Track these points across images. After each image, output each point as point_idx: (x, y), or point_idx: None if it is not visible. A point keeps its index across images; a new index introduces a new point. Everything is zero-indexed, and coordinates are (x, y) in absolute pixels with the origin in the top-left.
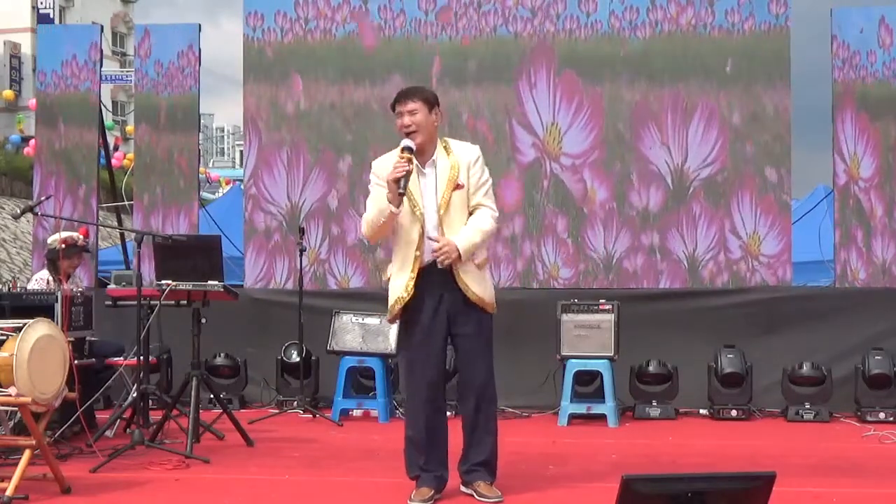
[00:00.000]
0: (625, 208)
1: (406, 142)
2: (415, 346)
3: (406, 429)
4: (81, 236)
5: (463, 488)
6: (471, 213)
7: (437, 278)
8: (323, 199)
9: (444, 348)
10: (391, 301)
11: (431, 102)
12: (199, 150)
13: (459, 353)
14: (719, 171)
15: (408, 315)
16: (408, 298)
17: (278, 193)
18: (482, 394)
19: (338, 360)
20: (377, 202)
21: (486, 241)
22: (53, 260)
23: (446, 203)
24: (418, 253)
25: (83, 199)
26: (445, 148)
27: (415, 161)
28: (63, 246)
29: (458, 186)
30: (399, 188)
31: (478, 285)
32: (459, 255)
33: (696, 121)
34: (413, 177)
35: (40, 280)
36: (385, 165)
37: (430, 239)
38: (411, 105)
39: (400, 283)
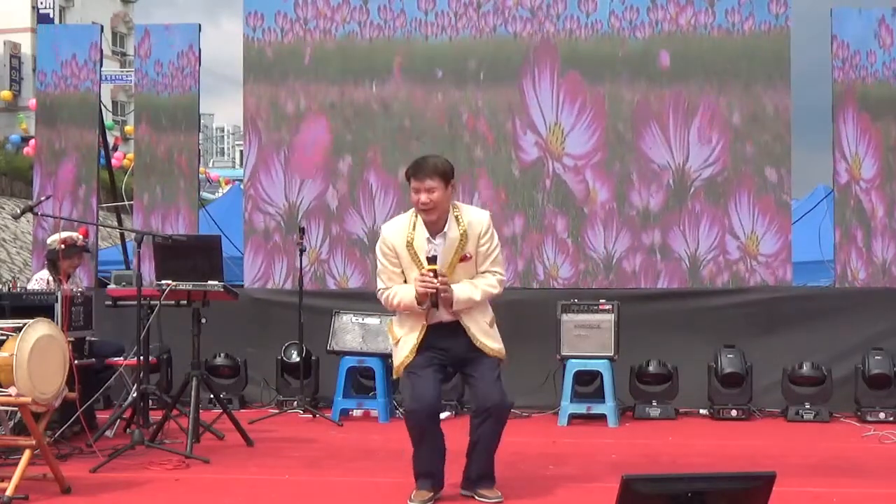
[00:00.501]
0: (625, 208)
1: (431, 251)
2: (421, 367)
3: (409, 433)
4: (81, 236)
5: (463, 491)
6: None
7: (446, 332)
8: (320, 198)
9: (443, 367)
10: (397, 362)
11: (448, 177)
12: (199, 150)
13: (473, 378)
14: (720, 171)
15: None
16: (412, 359)
17: (277, 194)
18: (502, 414)
19: (338, 360)
20: (405, 297)
21: (486, 299)
22: (53, 260)
23: (451, 274)
24: (426, 322)
25: (83, 200)
26: (457, 217)
27: (426, 234)
28: (62, 246)
29: (464, 258)
30: (428, 303)
31: (493, 342)
32: (450, 301)
33: (697, 121)
34: (421, 245)
35: (40, 280)
36: (395, 232)
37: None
38: (430, 183)
39: (407, 346)
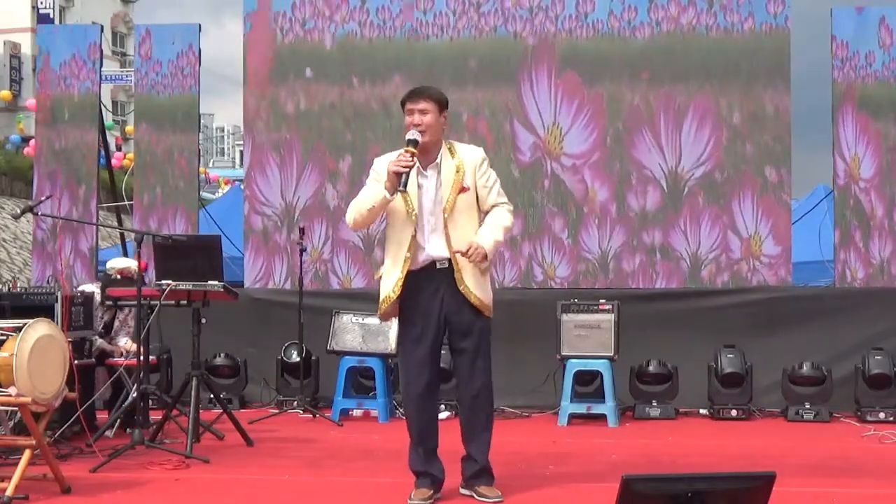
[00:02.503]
0: (624, 208)
1: (412, 134)
2: (411, 346)
3: (407, 426)
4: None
5: (463, 490)
6: (486, 213)
7: (437, 278)
8: (316, 196)
9: (439, 350)
10: (380, 299)
11: (442, 105)
12: (199, 150)
13: (458, 357)
14: (719, 171)
15: (406, 315)
16: (395, 298)
17: (277, 194)
18: (482, 397)
19: (338, 360)
20: (371, 189)
21: (508, 236)
22: (106, 285)
23: (451, 206)
24: (408, 254)
25: (83, 199)
26: (450, 150)
27: (416, 159)
28: (118, 276)
29: (463, 189)
30: (399, 184)
31: (480, 290)
32: (485, 255)
33: (697, 121)
34: (411, 177)
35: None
36: (386, 162)
37: (458, 253)
38: (423, 105)
39: (389, 282)
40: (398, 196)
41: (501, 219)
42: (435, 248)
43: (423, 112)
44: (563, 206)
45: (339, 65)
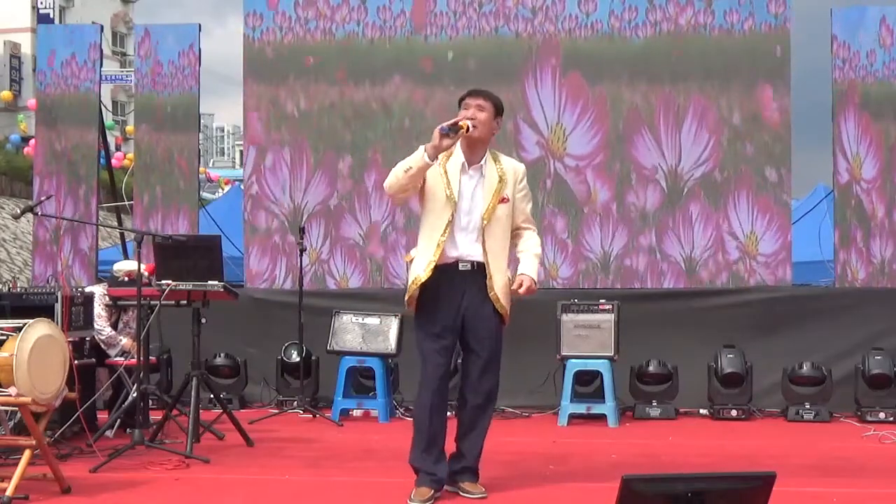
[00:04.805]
0: (625, 208)
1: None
2: (431, 347)
3: (414, 419)
4: (147, 273)
5: (447, 487)
6: (514, 231)
7: (461, 280)
8: (325, 202)
9: (455, 347)
10: (409, 281)
11: (499, 110)
12: (199, 150)
13: (471, 359)
14: (718, 170)
15: (427, 313)
16: (425, 279)
17: (279, 194)
18: (490, 399)
19: (338, 360)
20: (416, 153)
21: None
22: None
23: (490, 214)
24: (443, 239)
25: (83, 199)
26: (494, 159)
27: (461, 135)
28: (126, 279)
29: (503, 199)
30: (444, 128)
31: (506, 299)
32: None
33: (696, 120)
34: (455, 169)
35: (90, 291)
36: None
37: (513, 292)
38: (481, 101)
39: (420, 265)
40: (440, 181)
41: (537, 246)
42: (466, 245)
43: (479, 108)
44: (563, 206)
45: (338, 65)
